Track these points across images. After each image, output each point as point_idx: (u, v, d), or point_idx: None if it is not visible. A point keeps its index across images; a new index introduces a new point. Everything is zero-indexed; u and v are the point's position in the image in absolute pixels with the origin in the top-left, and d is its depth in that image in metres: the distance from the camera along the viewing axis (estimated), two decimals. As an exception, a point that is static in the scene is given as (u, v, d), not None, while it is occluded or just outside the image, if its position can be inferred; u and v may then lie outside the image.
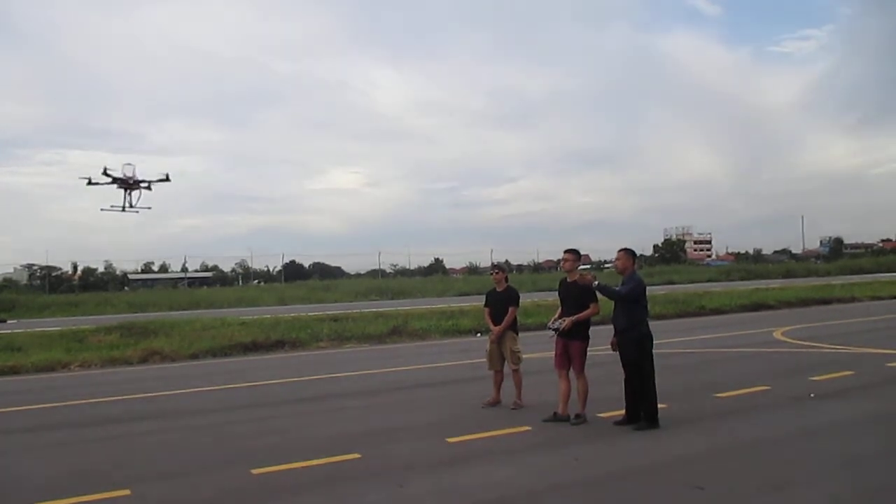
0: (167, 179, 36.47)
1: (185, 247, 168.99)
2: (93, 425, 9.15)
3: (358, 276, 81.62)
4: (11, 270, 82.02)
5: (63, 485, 6.20)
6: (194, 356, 17.01)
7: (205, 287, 74.28)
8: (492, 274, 9.78)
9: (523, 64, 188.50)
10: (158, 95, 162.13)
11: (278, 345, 18.36)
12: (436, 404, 9.62)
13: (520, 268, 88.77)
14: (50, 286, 72.80)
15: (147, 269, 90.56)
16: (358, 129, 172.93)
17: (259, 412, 9.65)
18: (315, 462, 6.61)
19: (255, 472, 6.33)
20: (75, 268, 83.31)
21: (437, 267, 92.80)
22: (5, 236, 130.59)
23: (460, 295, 49.76)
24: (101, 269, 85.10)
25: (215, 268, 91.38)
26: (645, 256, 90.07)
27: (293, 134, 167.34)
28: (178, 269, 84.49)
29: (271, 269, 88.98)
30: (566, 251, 8.34)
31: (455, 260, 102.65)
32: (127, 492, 5.88)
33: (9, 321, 38.14)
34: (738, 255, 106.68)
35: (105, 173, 34.50)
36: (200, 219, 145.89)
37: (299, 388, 11.70)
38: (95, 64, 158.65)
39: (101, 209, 36.52)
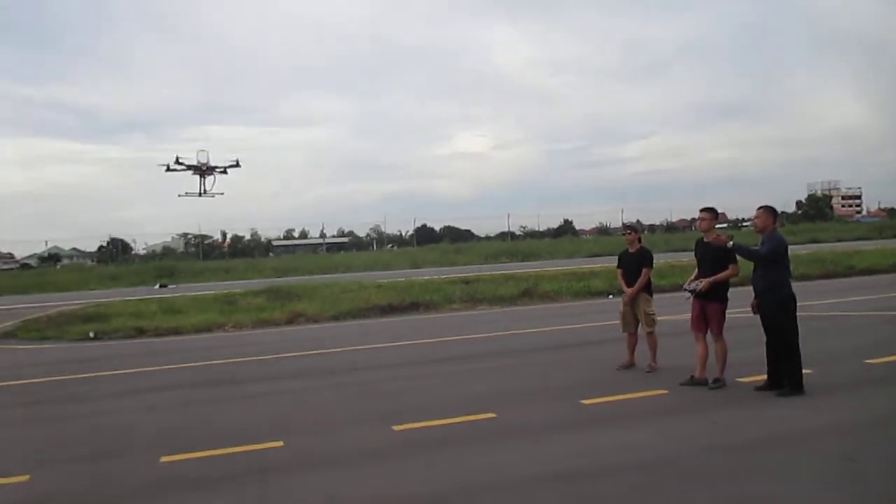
0: (237, 165, 36.48)
1: (322, 214, 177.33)
2: (247, 382, 9.90)
3: (488, 238, 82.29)
4: (170, 240, 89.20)
5: (221, 436, 6.77)
6: (335, 318, 17.89)
7: (342, 252, 77.43)
8: (624, 234, 9.61)
9: (653, 15, 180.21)
10: (290, 69, 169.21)
11: (413, 307, 18.95)
12: (569, 366, 9.67)
13: (652, 227, 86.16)
14: (203, 253, 78.41)
15: (289, 235, 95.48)
16: (483, 92, 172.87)
17: (399, 371, 10.07)
18: (453, 420, 6.86)
19: (396, 428, 6.66)
20: (225, 236, 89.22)
21: (566, 228, 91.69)
22: (165, 208, 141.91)
23: (591, 256, 49.10)
24: (247, 236, 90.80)
25: (351, 233, 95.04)
26: (787, 214, 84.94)
27: (421, 101, 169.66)
28: (317, 235, 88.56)
29: (404, 234, 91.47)
30: (702, 210, 8.06)
31: (585, 221, 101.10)
32: (280, 443, 6.36)
33: (169, 286, 41.59)
34: (890, 211, 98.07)
35: (178, 161, 34.95)
36: (336, 187, 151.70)
37: (436, 349, 12.07)
38: (231, 42, 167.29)
39: (179, 195, 37.02)
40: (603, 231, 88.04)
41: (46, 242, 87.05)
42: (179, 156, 34.37)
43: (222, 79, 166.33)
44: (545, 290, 20.98)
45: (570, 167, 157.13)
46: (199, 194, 36.04)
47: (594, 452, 5.70)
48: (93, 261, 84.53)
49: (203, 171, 34.89)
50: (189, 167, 34.54)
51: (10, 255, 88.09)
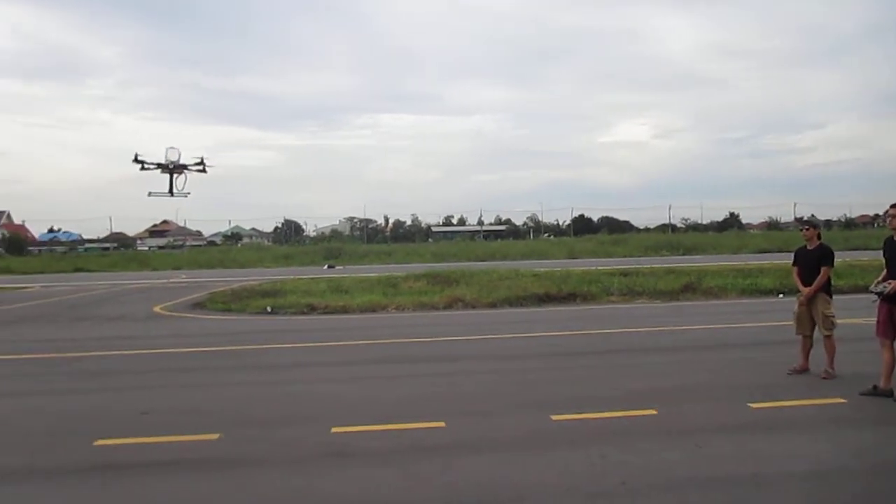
0: (202, 167, 34.69)
1: (481, 201, 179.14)
2: (412, 362, 10.35)
3: (647, 230, 79.69)
4: (337, 223, 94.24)
5: (386, 412, 7.14)
6: (492, 305, 18.17)
7: (498, 239, 78.08)
8: (801, 230, 9.03)
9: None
10: (454, 57, 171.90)
11: (570, 297, 18.85)
12: (736, 366, 9.24)
13: (828, 223, 79.59)
14: (367, 237, 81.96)
15: (447, 222, 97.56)
16: (646, 78, 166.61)
17: (558, 361, 10.10)
18: (611, 414, 6.81)
19: (554, 417, 6.71)
20: (387, 220, 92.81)
21: (731, 222, 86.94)
22: (333, 193, 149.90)
23: (758, 252, 46.46)
24: (408, 221, 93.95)
25: (508, 221, 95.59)
26: None
27: (581, 88, 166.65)
28: (475, 223, 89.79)
29: (561, 223, 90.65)
30: (893, 205, 7.40)
31: (752, 214, 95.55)
32: (442, 424, 6.61)
33: (337, 267, 43.98)
34: None
35: (136, 160, 33.90)
36: (495, 174, 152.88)
37: (593, 341, 11.96)
38: (398, 33, 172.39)
39: (149, 194, 36.01)
40: (772, 226, 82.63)
41: (230, 222, 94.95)
42: (138, 153, 33.82)
43: (392, 70, 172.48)
44: (709, 285, 20.13)
45: (738, 157, 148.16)
46: (170, 193, 35.40)
47: (761, 459, 5.45)
48: (269, 241, 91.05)
49: (171, 169, 34.38)
50: (158, 166, 34.24)
51: (199, 233, 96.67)
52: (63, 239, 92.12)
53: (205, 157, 34.15)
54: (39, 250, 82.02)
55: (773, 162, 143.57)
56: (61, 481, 5.33)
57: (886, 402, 7.06)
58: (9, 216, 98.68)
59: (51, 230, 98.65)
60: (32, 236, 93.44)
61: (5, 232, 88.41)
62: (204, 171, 33.67)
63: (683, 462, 5.39)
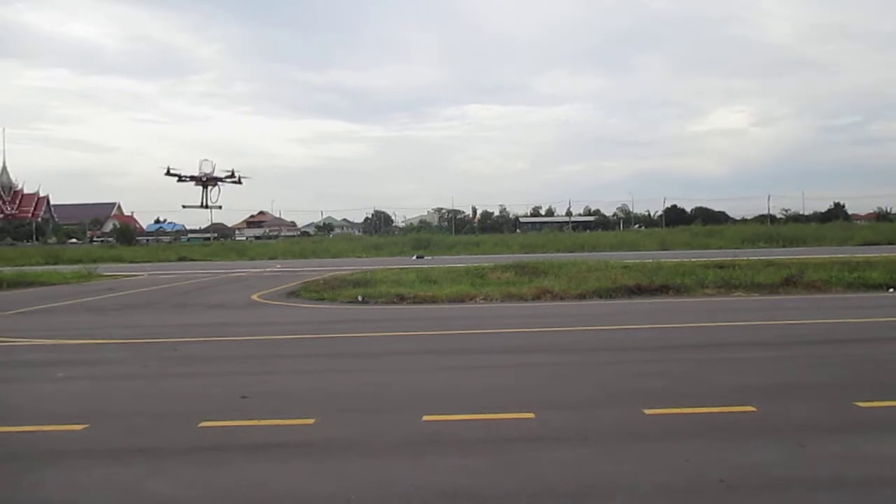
0: (234, 178, 33.33)
1: (569, 191, 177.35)
2: (501, 352, 10.34)
3: (744, 221, 76.82)
4: (425, 213, 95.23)
5: (475, 402, 7.17)
6: (581, 296, 17.93)
7: (587, 230, 77.01)
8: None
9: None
10: (543, 47, 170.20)
11: (662, 289, 18.37)
12: (842, 363, 8.79)
13: (945, 215, 74.51)
14: (455, 227, 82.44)
15: (535, 212, 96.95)
16: (744, 64, 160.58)
17: (650, 355, 9.90)
18: (707, 409, 6.61)
19: (647, 412, 6.58)
20: (475, 211, 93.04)
21: (836, 212, 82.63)
22: (421, 184, 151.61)
23: (865, 244, 44.02)
24: (496, 212, 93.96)
25: (597, 212, 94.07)
26: None
27: (675, 75, 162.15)
28: (563, 213, 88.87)
29: (652, 214, 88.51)
30: None
31: (859, 204, 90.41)
32: (531, 415, 6.59)
33: (425, 257, 44.44)
34: None
35: (169, 173, 33.01)
36: (583, 164, 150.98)
37: (687, 334, 11.65)
38: (488, 23, 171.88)
39: (183, 206, 34.99)
40: (882, 217, 78.02)
41: (322, 213, 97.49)
42: (171, 167, 33.16)
43: (481, 60, 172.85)
44: (811, 278, 19.17)
45: (843, 145, 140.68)
46: (203, 205, 34.52)
47: (870, 461, 5.17)
48: (359, 231, 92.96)
49: (205, 182, 33.55)
50: (192, 178, 33.41)
51: (293, 224, 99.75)
52: (168, 229, 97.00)
53: (236, 169, 34.61)
54: (147, 240, 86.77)
55: (882, 149, 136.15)
56: (168, 462, 5.63)
57: None
58: (119, 208, 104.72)
59: (157, 221, 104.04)
60: (140, 227, 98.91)
61: (116, 222, 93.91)
62: (238, 182, 34.18)
63: (785, 462, 5.18)
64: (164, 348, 11.50)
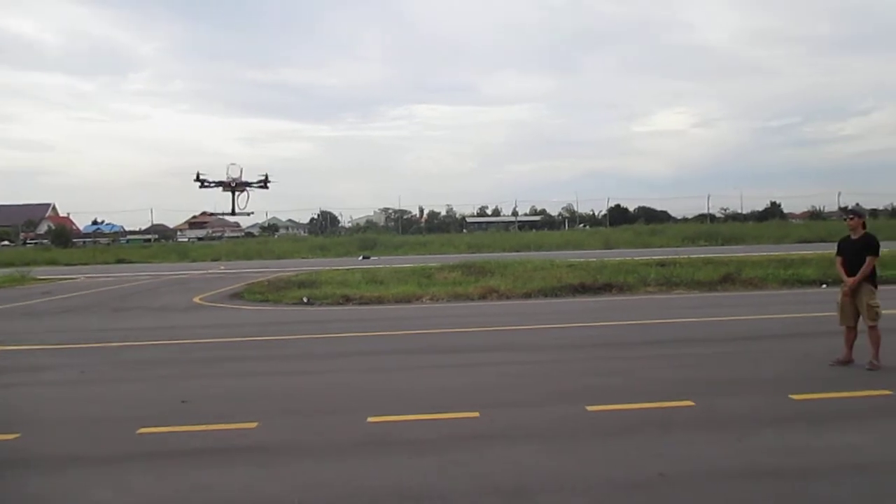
0: (265, 184, 33.22)
1: (516, 191, 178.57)
2: (447, 352, 10.36)
3: (685, 220, 78.49)
4: (372, 214, 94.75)
5: (421, 402, 7.16)
6: (527, 295, 18.09)
7: (533, 230, 77.69)
8: (846, 220, 8.81)
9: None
10: (492, 48, 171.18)
11: (606, 288, 18.67)
12: (777, 358, 9.08)
13: (874, 212, 77.48)
14: (402, 228, 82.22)
15: (482, 212, 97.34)
16: (685, 66, 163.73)
17: (593, 352, 10.03)
18: (648, 405, 6.73)
19: (589, 408, 6.66)
20: (422, 211, 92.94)
21: (773, 211, 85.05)
22: (368, 183, 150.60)
23: (800, 242, 45.65)
24: (443, 212, 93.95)
25: (543, 211, 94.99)
26: None
27: (620, 76, 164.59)
28: (510, 213, 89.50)
29: (596, 213, 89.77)
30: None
31: (794, 203, 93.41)
32: (476, 414, 6.60)
33: (371, 258, 44.21)
34: None
35: (197, 178, 32.53)
36: (531, 164, 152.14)
37: (630, 332, 11.84)
38: (435, 23, 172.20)
39: (210, 213, 34.67)
40: (815, 215, 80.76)
41: (267, 213, 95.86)
42: (200, 172, 32.52)
43: (430, 60, 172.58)
44: (749, 276, 19.77)
45: (779, 146, 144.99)
46: (232, 212, 34.03)
47: (804, 452, 5.34)
48: (305, 232, 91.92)
49: (233, 187, 33.09)
50: (219, 183, 32.91)
51: (237, 225, 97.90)
52: (106, 231, 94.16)
53: (268, 173, 33.73)
54: (84, 242, 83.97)
55: (816, 150, 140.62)
56: (106, 469, 5.45)
57: (935, 394, 6.89)
58: (55, 209, 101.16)
59: (94, 222, 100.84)
60: (77, 228, 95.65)
61: (52, 224, 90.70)
62: (265, 187, 33.28)
63: (724, 454, 5.31)
64: (102, 353, 11.15)
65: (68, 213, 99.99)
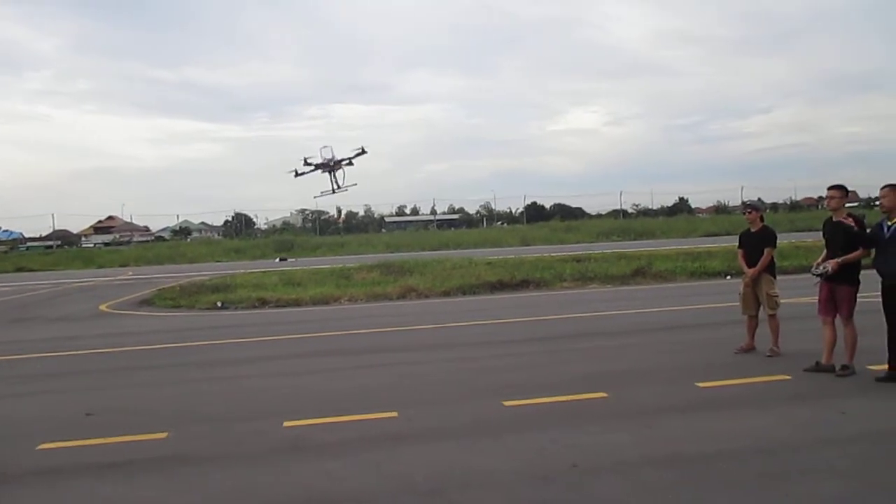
0: (363, 152, 34.72)
1: (434, 190, 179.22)
2: (365, 353, 10.26)
3: (599, 216, 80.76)
4: (288, 215, 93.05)
5: (338, 404, 7.07)
6: (446, 293, 18.17)
7: (452, 229, 78.11)
8: (744, 213, 9.23)
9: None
10: (405, 48, 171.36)
11: (523, 284, 18.98)
12: (684, 348, 9.42)
13: (775, 206, 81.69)
14: (319, 229, 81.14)
15: (401, 212, 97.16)
16: (596, 66, 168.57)
17: (510, 348, 10.13)
18: (561, 398, 6.85)
19: (506, 403, 6.72)
20: (339, 211, 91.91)
21: (681, 206, 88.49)
22: (284, 185, 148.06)
23: (707, 235, 47.62)
24: (361, 212, 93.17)
25: (461, 210, 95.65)
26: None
27: (534, 76, 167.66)
28: (428, 212, 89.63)
29: (514, 211, 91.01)
30: (831, 188, 7.61)
31: (701, 199, 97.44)
32: (394, 414, 6.57)
33: (288, 259, 43.46)
34: None
35: (306, 163, 33.57)
36: (448, 163, 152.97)
37: (546, 327, 12.04)
38: (348, 22, 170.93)
39: (315, 197, 35.87)
40: (721, 210, 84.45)
41: (178, 216, 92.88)
42: (307, 157, 33.44)
43: (343, 60, 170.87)
44: (659, 269, 20.49)
45: (686, 143, 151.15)
46: (333, 191, 34.94)
47: (710, 435, 5.56)
48: (219, 234, 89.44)
49: (331, 167, 33.88)
50: (317, 166, 33.64)
51: (146, 229, 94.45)
52: (3, 238, 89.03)
53: (364, 146, 33.59)
54: (-22, 250, 79.07)
55: (720, 147, 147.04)
56: (3, 488, 5.13)
57: (829, 377, 7.28)
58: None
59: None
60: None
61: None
62: (364, 153, 33.37)
63: (634, 443, 5.46)
64: (-3, 367, 10.52)
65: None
